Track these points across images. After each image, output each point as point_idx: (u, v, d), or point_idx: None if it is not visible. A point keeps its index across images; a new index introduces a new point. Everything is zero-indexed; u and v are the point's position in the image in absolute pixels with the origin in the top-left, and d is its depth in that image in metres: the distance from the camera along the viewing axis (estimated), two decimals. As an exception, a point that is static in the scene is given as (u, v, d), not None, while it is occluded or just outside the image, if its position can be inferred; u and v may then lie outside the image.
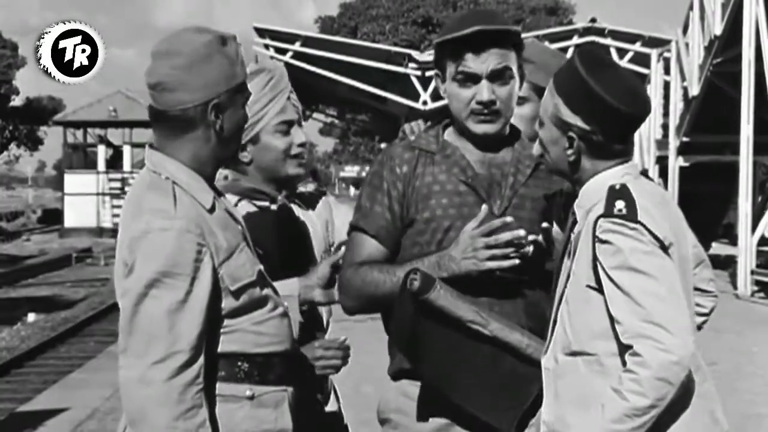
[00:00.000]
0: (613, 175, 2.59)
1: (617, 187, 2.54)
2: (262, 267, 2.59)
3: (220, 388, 2.49)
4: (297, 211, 3.16)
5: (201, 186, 2.52)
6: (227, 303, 2.48)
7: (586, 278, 2.53)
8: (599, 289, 2.51)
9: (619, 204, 2.50)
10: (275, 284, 2.68)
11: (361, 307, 2.98)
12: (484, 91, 2.89)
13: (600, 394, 2.49)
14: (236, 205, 3.00)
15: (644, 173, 2.71)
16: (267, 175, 3.08)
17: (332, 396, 3.19)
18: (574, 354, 2.56)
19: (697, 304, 2.77)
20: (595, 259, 2.50)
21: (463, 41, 2.90)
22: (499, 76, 2.89)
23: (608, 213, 2.50)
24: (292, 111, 3.08)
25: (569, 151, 2.61)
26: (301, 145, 3.07)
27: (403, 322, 2.88)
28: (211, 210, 2.51)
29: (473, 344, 2.83)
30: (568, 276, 2.60)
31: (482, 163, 2.95)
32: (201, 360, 2.42)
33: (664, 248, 2.50)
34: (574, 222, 2.64)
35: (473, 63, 2.88)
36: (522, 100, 3.21)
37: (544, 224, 2.84)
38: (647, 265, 2.45)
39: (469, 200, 2.92)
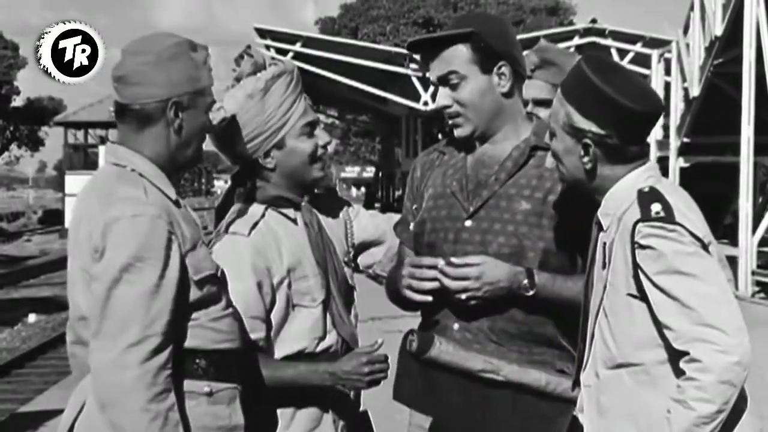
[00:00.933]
0: (636, 177, 2.54)
1: (646, 189, 2.49)
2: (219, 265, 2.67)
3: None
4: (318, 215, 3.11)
5: (165, 180, 2.59)
6: (192, 294, 2.54)
7: (626, 287, 2.47)
8: (641, 297, 2.45)
9: (656, 207, 2.44)
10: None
11: (397, 305, 3.11)
12: (438, 97, 2.96)
13: (648, 404, 2.44)
14: (264, 214, 3.00)
15: None
16: (291, 181, 3.04)
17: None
18: (618, 366, 2.50)
19: None
20: (635, 266, 2.44)
21: (422, 52, 3.01)
22: (445, 81, 2.93)
23: (646, 217, 2.43)
24: (311, 111, 3.05)
25: (585, 159, 2.56)
26: (325, 146, 3.05)
27: (412, 381, 2.89)
28: (176, 203, 2.58)
29: (489, 391, 2.82)
30: (605, 287, 2.54)
31: (478, 162, 2.97)
32: (171, 345, 2.47)
33: (705, 247, 2.45)
34: (600, 230, 2.57)
35: (431, 72, 2.97)
36: (548, 104, 3.20)
37: (440, 264, 2.81)
38: (692, 267, 2.39)
39: (450, 202, 2.96)
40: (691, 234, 2.42)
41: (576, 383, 2.67)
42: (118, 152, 2.60)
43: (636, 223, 2.44)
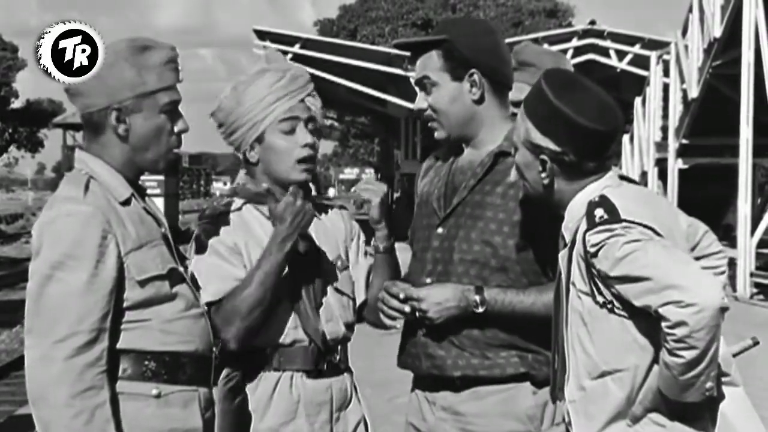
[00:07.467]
0: (593, 190, 2.58)
1: (596, 199, 2.53)
2: (181, 269, 2.67)
3: (126, 386, 2.55)
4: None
5: (119, 182, 2.62)
6: (133, 294, 2.56)
7: (595, 296, 2.51)
8: (610, 304, 2.49)
9: (599, 212, 2.49)
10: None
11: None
12: (417, 100, 3.04)
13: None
14: (240, 208, 3.02)
15: (625, 178, 2.70)
16: (272, 178, 3.04)
17: (354, 399, 3.11)
18: (602, 375, 2.53)
19: (712, 267, 2.76)
20: (596, 274, 2.48)
21: (409, 52, 3.07)
22: (421, 85, 3.02)
23: (591, 225, 2.49)
24: (301, 110, 3.03)
25: (543, 174, 2.62)
26: (307, 145, 3.02)
27: None
28: (125, 203, 2.60)
29: None
30: (568, 299, 2.58)
31: (457, 169, 3.02)
32: (105, 343, 2.49)
33: (657, 234, 2.48)
34: (565, 245, 2.62)
35: (413, 75, 3.05)
36: None
37: (402, 295, 2.90)
38: (639, 245, 2.43)
39: (430, 210, 3.02)
40: (640, 224, 2.46)
41: (554, 396, 2.72)
42: (79, 156, 2.67)
43: (584, 234, 2.50)
